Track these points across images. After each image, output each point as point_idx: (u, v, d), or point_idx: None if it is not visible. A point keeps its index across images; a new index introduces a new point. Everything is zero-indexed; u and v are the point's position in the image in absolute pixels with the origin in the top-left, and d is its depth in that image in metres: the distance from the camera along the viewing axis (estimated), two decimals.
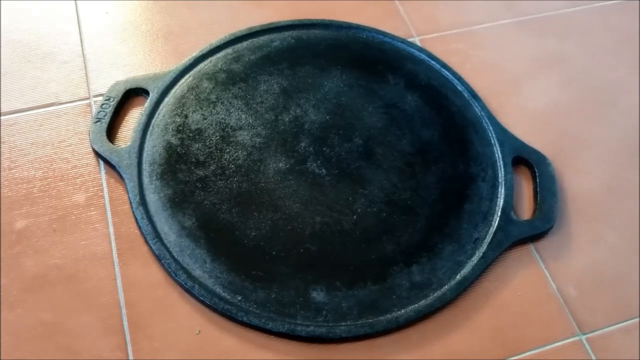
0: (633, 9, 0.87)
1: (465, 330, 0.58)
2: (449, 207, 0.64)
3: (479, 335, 0.58)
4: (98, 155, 0.64)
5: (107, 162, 0.64)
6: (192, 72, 0.71)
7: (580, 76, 0.79)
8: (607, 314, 0.60)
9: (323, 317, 0.56)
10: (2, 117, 0.67)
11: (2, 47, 0.73)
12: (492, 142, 0.70)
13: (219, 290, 0.57)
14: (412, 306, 0.58)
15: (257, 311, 0.56)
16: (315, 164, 0.66)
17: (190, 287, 0.56)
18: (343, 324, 0.56)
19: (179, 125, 0.67)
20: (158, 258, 0.58)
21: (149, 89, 0.69)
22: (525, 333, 0.58)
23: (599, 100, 0.77)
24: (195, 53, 0.72)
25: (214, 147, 0.66)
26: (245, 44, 0.74)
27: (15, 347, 0.54)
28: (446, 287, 0.59)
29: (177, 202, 0.61)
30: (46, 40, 0.74)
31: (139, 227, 0.60)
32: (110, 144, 0.65)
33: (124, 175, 0.63)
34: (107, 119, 0.66)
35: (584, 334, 0.59)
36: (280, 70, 0.72)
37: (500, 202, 0.65)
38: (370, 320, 0.56)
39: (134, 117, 0.69)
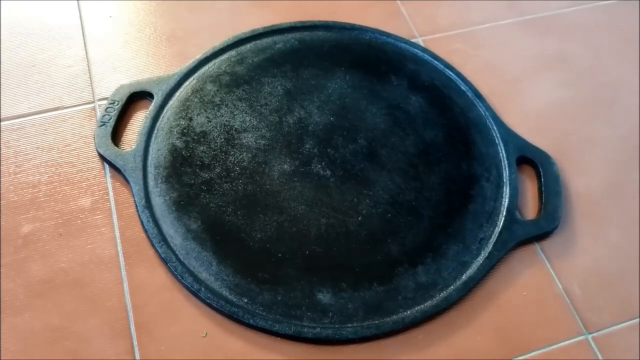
0: (634, 8, 0.87)
1: (471, 330, 0.58)
2: (454, 208, 0.65)
3: (484, 336, 0.58)
4: (103, 158, 0.65)
5: (113, 166, 0.64)
6: (196, 75, 0.71)
7: (583, 75, 0.79)
8: (612, 313, 0.60)
9: (329, 319, 0.56)
10: (7, 122, 0.68)
11: (5, 52, 0.73)
12: (496, 142, 0.70)
13: (225, 292, 0.57)
14: (418, 307, 0.58)
15: (264, 313, 0.56)
16: (319, 166, 0.66)
17: (197, 289, 0.57)
18: (349, 325, 0.56)
19: (184, 128, 0.67)
20: (164, 261, 0.58)
21: (153, 92, 0.69)
22: (531, 333, 0.59)
23: (601, 100, 0.77)
24: (198, 56, 0.72)
25: (218, 150, 0.66)
26: (248, 46, 0.74)
27: (22, 351, 0.54)
28: (452, 287, 0.59)
29: (182, 205, 0.62)
30: (50, 45, 0.74)
31: (145, 231, 0.60)
32: (115, 147, 0.65)
33: (129, 179, 0.63)
34: (111, 122, 0.66)
35: (589, 334, 0.59)
36: (284, 72, 0.73)
37: (505, 202, 0.65)
38: (377, 322, 0.56)
39: (139, 120, 0.69)
